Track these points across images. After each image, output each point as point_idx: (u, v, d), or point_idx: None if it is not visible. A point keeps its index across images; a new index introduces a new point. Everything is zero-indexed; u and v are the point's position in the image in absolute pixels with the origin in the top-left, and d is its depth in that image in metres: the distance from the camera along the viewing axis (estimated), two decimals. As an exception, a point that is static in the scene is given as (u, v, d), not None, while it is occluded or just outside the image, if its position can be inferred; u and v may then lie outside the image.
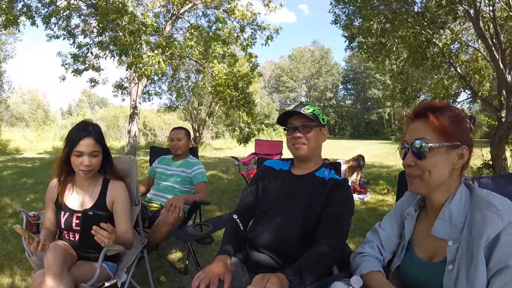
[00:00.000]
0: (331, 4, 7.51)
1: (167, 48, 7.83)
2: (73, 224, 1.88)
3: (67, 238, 1.91)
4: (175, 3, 9.15)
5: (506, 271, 0.98)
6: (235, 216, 1.78)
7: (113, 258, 2.03)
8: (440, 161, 1.10)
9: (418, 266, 1.22)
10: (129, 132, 9.39)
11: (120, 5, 6.58)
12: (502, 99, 6.00)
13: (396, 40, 6.92)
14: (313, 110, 1.73)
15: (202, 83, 12.20)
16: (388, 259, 1.38)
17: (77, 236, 1.86)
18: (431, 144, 1.08)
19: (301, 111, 1.68)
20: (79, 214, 1.85)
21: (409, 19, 6.37)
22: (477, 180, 1.53)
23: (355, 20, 7.27)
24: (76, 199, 1.94)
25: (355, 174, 6.29)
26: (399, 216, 1.38)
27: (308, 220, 1.62)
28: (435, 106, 1.13)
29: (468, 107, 9.14)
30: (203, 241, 2.20)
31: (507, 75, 5.80)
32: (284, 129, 1.76)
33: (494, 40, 5.94)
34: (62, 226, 1.90)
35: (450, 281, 1.07)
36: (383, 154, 15.24)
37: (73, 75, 9.50)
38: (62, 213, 1.91)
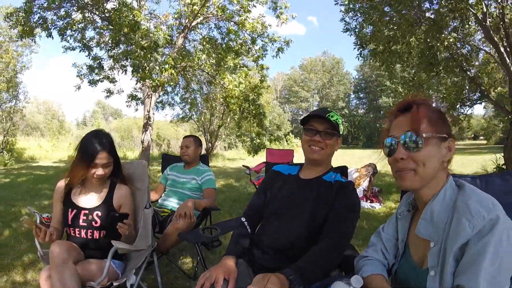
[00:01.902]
0: (341, 11, 7.58)
1: (179, 61, 7.96)
2: (80, 221, 2.00)
3: (73, 235, 2.01)
4: (187, 16, 9.34)
5: None
6: (243, 219, 1.81)
7: (121, 257, 2.09)
8: (433, 153, 1.07)
9: (411, 270, 1.20)
10: (142, 142, 9.53)
11: (132, 21, 6.75)
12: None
13: (406, 46, 6.89)
14: (336, 119, 1.71)
15: (213, 94, 12.35)
16: (393, 262, 1.35)
17: (83, 232, 1.99)
18: (425, 134, 1.06)
19: (328, 117, 1.68)
20: (86, 211, 2.01)
21: (419, 25, 6.36)
22: (484, 178, 1.51)
23: (365, 27, 7.30)
24: (84, 198, 2.06)
25: (366, 182, 6.24)
26: (396, 218, 1.36)
27: (313, 223, 1.63)
28: (418, 100, 1.12)
29: (473, 105, 8.91)
30: (212, 244, 2.22)
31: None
32: (303, 130, 1.76)
33: (504, 43, 5.89)
34: (69, 223, 2.00)
35: None
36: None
37: (89, 85, 9.77)
38: (70, 210, 2.02)
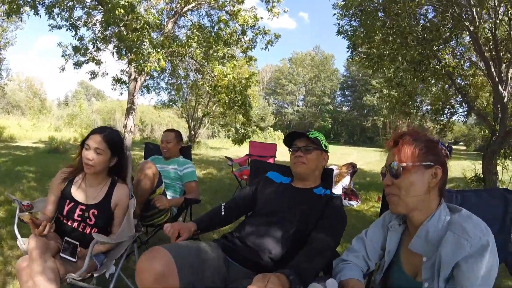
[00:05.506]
0: (334, 15, 7.64)
1: (168, 44, 7.86)
2: (75, 215, 2.01)
3: (65, 223, 2.02)
4: (179, 1, 9.20)
5: None
6: (222, 204, 1.97)
7: (101, 248, 2.09)
8: (415, 180, 1.20)
9: (406, 282, 1.28)
10: (125, 126, 9.38)
11: (126, 3, 6.60)
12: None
13: (398, 51, 6.98)
14: (317, 136, 1.95)
15: (200, 83, 12.25)
16: (373, 268, 1.44)
17: (75, 224, 2.00)
18: (404, 164, 1.20)
19: (306, 134, 1.89)
20: (83, 207, 2.03)
21: (413, 34, 6.46)
22: (460, 193, 1.59)
23: (358, 30, 7.38)
24: (83, 193, 2.07)
25: (347, 180, 6.34)
26: (385, 228, 1.43)
27: (302, 228, 1.73)
28: (407, 134, 1.27)
29: (463, 121, 9.22)
30: (192, 238, 2.23)
31: (502, 91, 5.88)
32: (289, 150, 1.95)
33: (493, 56, 6.03)
34: (64, 214, 2.01)
35: None
36: (376, 161, 15.32)
37: (74, 68, 9.53)
38: (68, 201, 2.03)
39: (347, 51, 8.02)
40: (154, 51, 7.27)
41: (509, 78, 6.02)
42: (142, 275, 1.37)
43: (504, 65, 6.05)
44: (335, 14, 7.59)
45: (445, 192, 1.29)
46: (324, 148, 1.95)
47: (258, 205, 1.92)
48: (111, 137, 2.05)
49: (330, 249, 1.61)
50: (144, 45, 7.30)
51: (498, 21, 5.46)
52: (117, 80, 10.77)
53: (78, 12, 8.99)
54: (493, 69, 5.85)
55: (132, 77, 9.17)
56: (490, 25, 5.60)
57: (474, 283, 1.05)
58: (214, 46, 9.04)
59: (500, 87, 5.87)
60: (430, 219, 1.22)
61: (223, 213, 1.92)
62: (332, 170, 2.18)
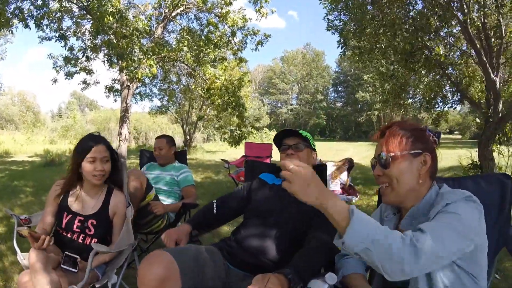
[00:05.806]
0: (325, 7, 7.65)
1: (158, 50, 7.85)
2: (74, 226, 1.99)
3: (64, 234, 2.00)
4: (168, 6, 9.19)
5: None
6: (214, 201, 1.97)
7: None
8: (405, 168, 1.22)
9: None
10: (119, 135, 9.34)
11: (114, 9, 6.57)
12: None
13: (388, 43, 6.99)
14: (306, 135, 1.92)
15: (193, 87, 12.24)
16: None
17: (75, 236, 1.99)
18: (392, 154, 1.22)
19: (297, 131, 1.89)
20: (82, 218, 2.02)
21: (402, 26, 6.48)
22: (457, 181, 1.59)
23: (348, 24, 7.39)
24: (80, 204, 2.06)
25: (345, 175, 6.34)
26: (382, 219, 1.44)
27: (298, 229, 1.72)
28: (394, 124, 1.29)
29: (454, 108, 9.24)
30: (191, 240, 2.23)
31: (494, 78, 5.91)
32: (279, 150, 1.94)
33: (483, 44, 6.05)
34: (63, 226, 2.00)
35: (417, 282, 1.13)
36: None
37: (65, 78, 9.47)
38: (65, 213, 2.01)
39: (338, 47, 8.02)
40: (145, 57, 7.27)
41: (500, 64, 6.05)
42: (143, 280, 1.35)
43: (494, 52, 6.08)
44: (325, 7, 7.60)
45: (440, 181, 1.30)
46: (313, 146, 1.95)
47: (253, 207, 1.91)
48: (108, 143, 2.07)
49: (328, 246, 1.58)
50: (134, 51, 7.28)
51: (486, 9, 5.48)
52: (110, 89, 10.74)
53: (67, 22, 8.95)
54: (484, 57, 5.87)
55: (124, 85, 9.14)
56: (480, 12, 5.60)
57: (440, 228, 1.02)
58: (204, 49, 9.05)
59: (492, 74, 5.89)
60: (421, 201, 1.24)
61: (215, 211, 1.92)
62: (325, 167, 2.17)
